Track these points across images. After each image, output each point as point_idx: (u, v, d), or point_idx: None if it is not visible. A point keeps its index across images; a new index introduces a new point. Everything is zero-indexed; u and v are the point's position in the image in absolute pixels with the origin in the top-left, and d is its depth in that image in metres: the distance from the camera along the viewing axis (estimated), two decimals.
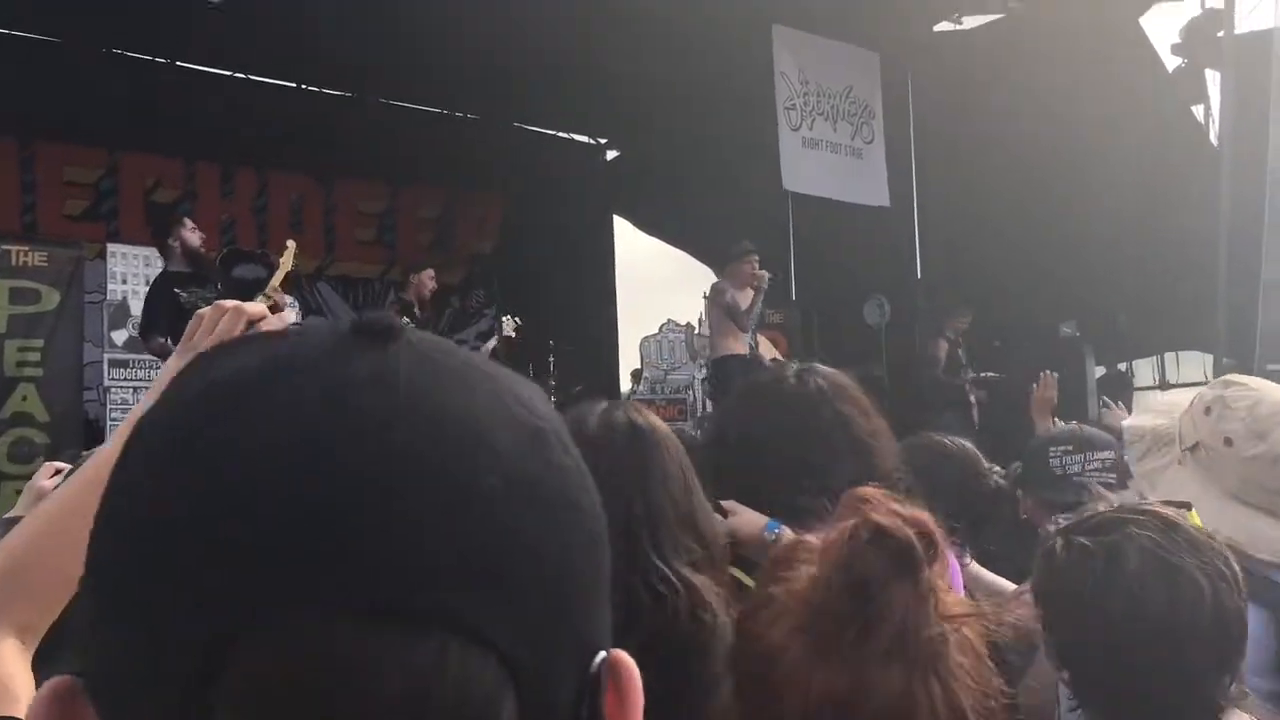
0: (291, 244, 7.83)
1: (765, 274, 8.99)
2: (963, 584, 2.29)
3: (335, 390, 0.51)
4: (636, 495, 1.72)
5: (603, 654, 0.55)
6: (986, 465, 3.00)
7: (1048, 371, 5.36)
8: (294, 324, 1.32)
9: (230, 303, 1.35)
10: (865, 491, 1.14)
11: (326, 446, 0.49)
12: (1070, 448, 2.93)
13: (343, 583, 0.47)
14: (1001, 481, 2.99)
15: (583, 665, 0.54)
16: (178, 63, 11.45)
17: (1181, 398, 2.26)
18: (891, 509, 1.10)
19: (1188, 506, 1.62)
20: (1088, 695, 1.57)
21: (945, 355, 10.28)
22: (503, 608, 0.50)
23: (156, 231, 9.36)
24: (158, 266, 8.90)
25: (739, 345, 8.96)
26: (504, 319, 9.02)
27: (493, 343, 8.77)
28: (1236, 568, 1.52)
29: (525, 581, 0.51)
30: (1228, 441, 2.05)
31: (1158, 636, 1.48)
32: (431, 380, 0.53)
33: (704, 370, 11.46)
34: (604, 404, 1.91)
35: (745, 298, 8.95)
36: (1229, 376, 2.23)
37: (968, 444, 3.09)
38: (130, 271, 9.16)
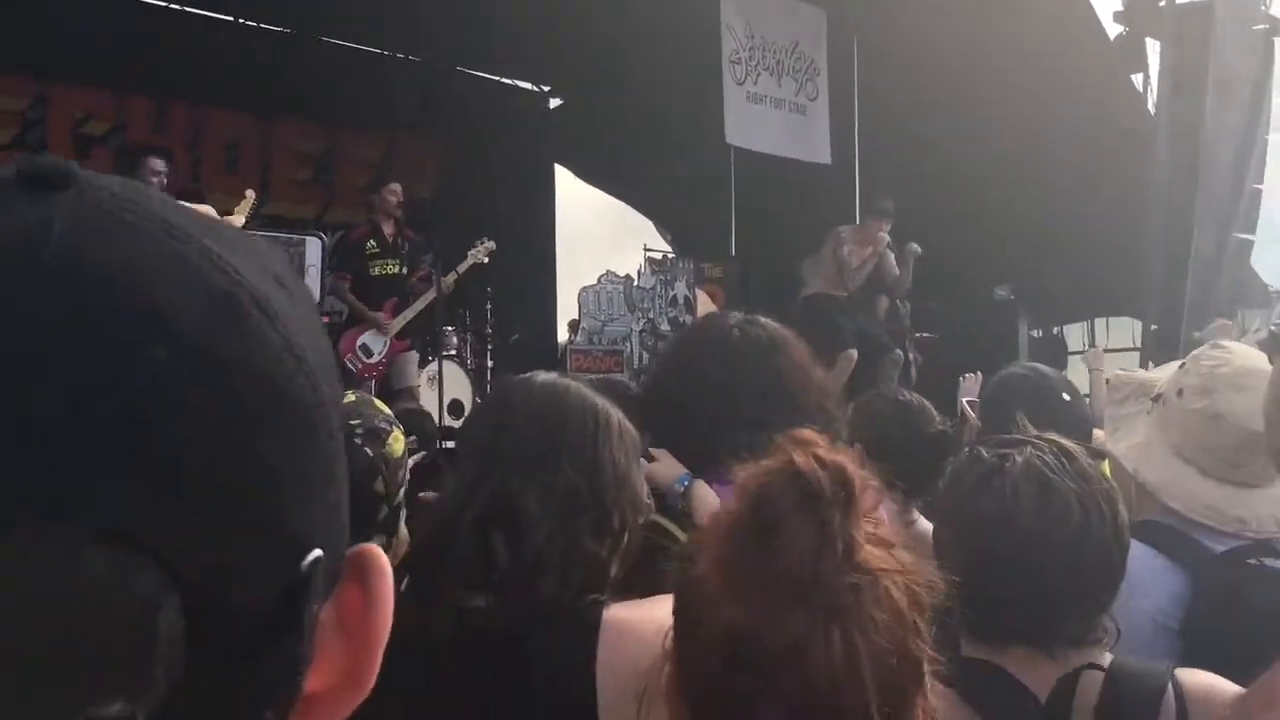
0: (251, 194, 7.69)
1: (913, 247, 9.00)
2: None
3: None
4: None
5: (316, 553, 0.49)
6: (939, 419, 3.01)
7: (975, 374, 5.37)
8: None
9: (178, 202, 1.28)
10: (801, 433, 1.14)
11: None
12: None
13: None
14: (949, 430, 3.00)
15: (287, 565, 0.48)
16: None
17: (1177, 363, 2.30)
18: (815, 452, 1.10)
19: (1102, 457, 1.67)
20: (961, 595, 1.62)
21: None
22: (161, 502, 0.44)
23: (119, 166, 9.14)
24: None
25: (831, 287, 9.01)
26: (479, 243, 8.87)
27: (453, 275, 8.62)
28: (1121, 509, 1.58)
29: (194, 472, 0.45)
30: (1180, 393, 2.09)
31: (1021, 546, 1.54)
32: (95, 236, 0.46)
33: (642, 323, 11.48)
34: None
35: (860, 255, 8.96)
36: (1221, 340, 2.28)
37: (919, 398, 3.10)
38: None
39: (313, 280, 1.54)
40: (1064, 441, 1.62)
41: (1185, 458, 2.04)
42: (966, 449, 1.71)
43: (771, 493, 1.08)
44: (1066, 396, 2.99)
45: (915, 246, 9.19)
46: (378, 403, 2.29)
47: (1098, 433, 2.77)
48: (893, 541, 1.12)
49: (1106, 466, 1.65)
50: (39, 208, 0.46)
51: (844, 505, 1.07)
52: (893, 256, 9.09)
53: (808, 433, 1.14)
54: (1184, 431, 2.05)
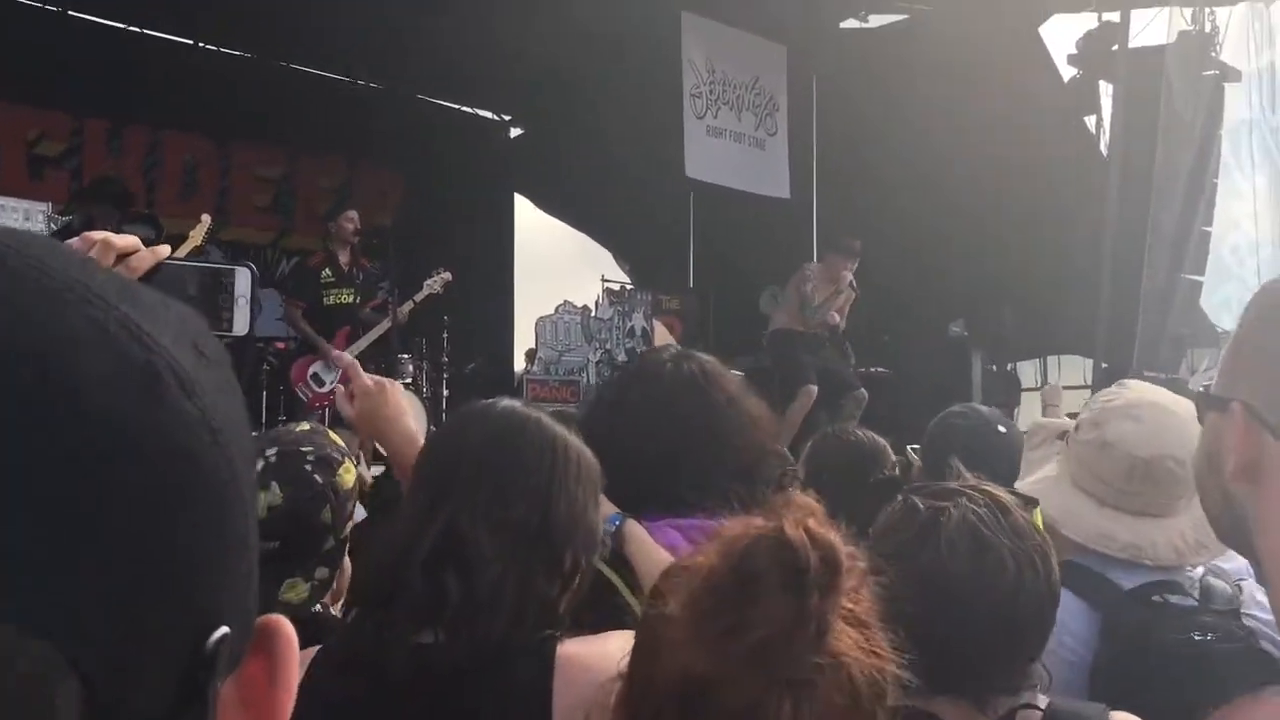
0: (206, 218, 7.63)
1: (852, 285, 9.06)
2: None
3: None
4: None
5: (222, 630, 0.48)
6: (893, 459, 3.01)
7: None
8: (168, 259, 1.27)
9: (99, 234, 1.25)
10: (799, 500, 1.14)
11: None
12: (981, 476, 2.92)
13: None
14: (894, 474, 3.01)
15: (193, 643, 0.47)
16: (69, 12, 11.06)
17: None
18: (807, 525, 1.09)
19: (1035, 503, 1.68)
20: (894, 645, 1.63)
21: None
22: (63, 581, 0.42)
23: (76, 194, 9.06)
24: (38, 221, 8.60)
25: (795, 323, 9.06)
26: (435, 273, 8.82)
27: (408, 305, 8.59)
28: (1054, 564, 1.60)
29: (94, 550, 0.43)
30: (1077, 427, 2.13)
31: (955, 601, 1.55)
32: (11, 304, 0.44)
33: (599, 353, 11.47)
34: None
35: (823, 292, 9.00)
36: (1126, 380, 2.31)
37: (873, 437, 3.12)
38: (10, 222, 8.83)
39: (241, 311, 1.54)
40: (998, 493, 1.63)
41: (1083, 489, 2.07)
42: (900, 497, 1.71)
43: (757, 558, 1.07)
44: (1002, 429, 3.03)
45: (852, 286, 9.27)
46: (332, 434, 2.27)
47: None
48: (870, 623, 1.12)
49: (1038, 516, 1.66)
50: None
51: (826, 586, 1.06)
52: (852, 297, 9.17)
53: (807, 500, 1.14)
54: (1079, 463, 2.09)
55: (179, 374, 0.47)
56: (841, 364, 9.43)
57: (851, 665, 1.08)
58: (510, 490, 1.66)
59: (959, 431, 3.08)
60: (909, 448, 3.23)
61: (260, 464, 2.11)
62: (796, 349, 9.06)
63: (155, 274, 1.26)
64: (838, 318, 9.09)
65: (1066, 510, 2.05)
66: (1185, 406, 2.14)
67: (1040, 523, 1.67)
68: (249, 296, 1.32)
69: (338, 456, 2.17)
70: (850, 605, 1.10)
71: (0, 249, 0.46)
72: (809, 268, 9.33)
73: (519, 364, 13.12)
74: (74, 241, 1.24)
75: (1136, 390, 2.18)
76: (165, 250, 1.25)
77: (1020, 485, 2.11)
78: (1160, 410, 2.06)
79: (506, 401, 1.82)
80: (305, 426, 2.24)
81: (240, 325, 1.33)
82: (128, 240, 1.25)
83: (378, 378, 2.14)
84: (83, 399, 0.44)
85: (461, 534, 1.61)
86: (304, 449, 2.13)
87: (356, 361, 2.22)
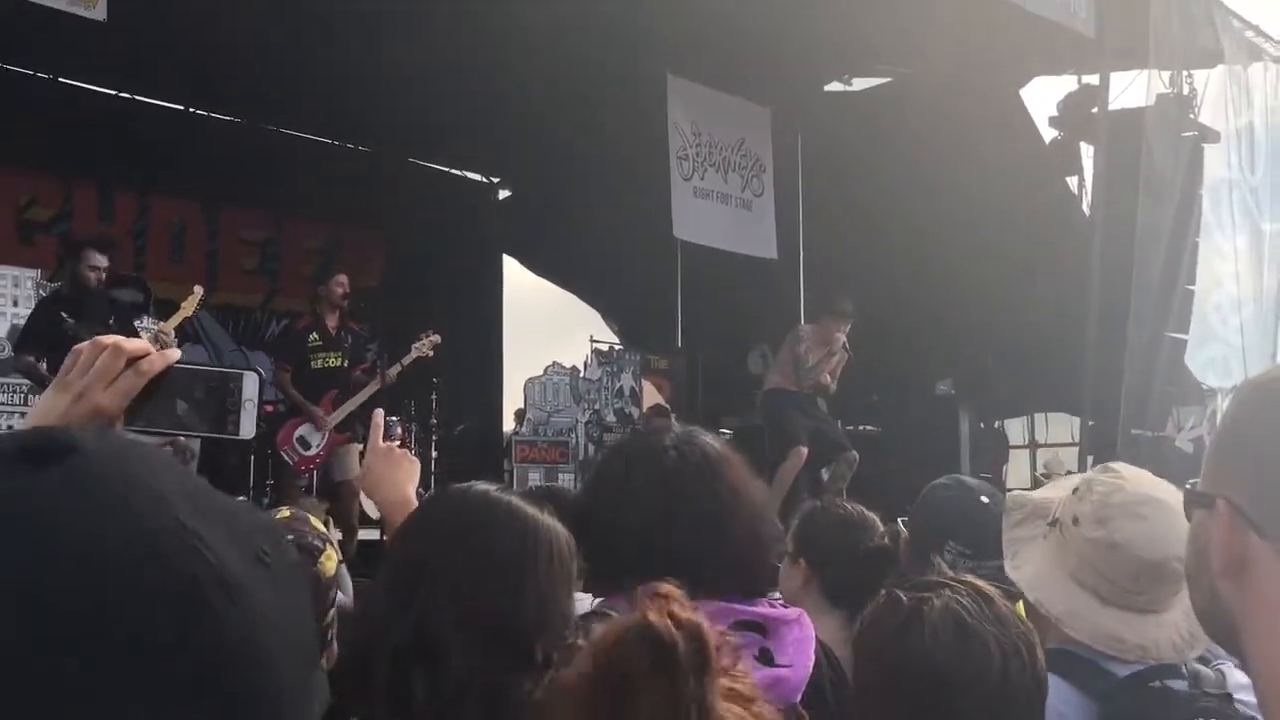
0: (199, 290, 7.66)
1: (845, 347, 9.09)
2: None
3: None
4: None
5: None
6: (882, 529, 3.00)
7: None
8: (178, 363, 1.27)
9: (110, 338, 1.26)
10: (660, 587, 1.11)
11: None
12: (969, 550, 2.90)
13: None
14: (885, 543, 3.00)
15: None
16: (59, 78, 11.15)
17: (1077, 478, 2.32)
18: (671, 609, 1.06)
19: (1018, 597, 1.69)
20: None
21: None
22: None
23: (63, 254, 9.09)
24: (27, 288, 8.63)
25: (787, 383, 9.06)
26: (423, 336, 8.82)
27: (396, 368, 8.59)
28: (1039, 653, 1.59)
29: None
30: (1075, 521, 2.10)
31: (940, 689, 1.55)
32: (82, 514, 0.48)
33: (588, 414, 11.48)
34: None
35: (817, 354, 9.02)
36: (1111, 464, 2.29)
37: (860, 509, 3.11)
38: (1, 290, 8.84)
39: (248, 415, 1.54)
40: (981, 584, 1.64)
41: (1084, 585, 2.05)
42: (884, 591, 1.72)
43: (625, 653, 1.04)
44: (985, 499, 3.04)
45: (845, 349, 9.30)
46: (314, 520, 2.27)
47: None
48: (754, 696, 1.11)
49: (1021, 607, 1.67)
50: (34, 485, 0.48)
51: (699, 668, 1.04)
52: (845, 359, 9.20)
53: (667, 587, 1.11)
54: (1081, 559, 2.07)
55: (226, 584, 0.50)
56: (833, 425, 9.43)
57: None
58: (479, 581, 1.64)
59: (945, 503, 3.09)
60: (900, 520, 3.23)
61: None
62: (789, 409, 9.07)
63: (165, 378, 1.26)
64: (829, 379, 9.11)
65: (1070, 611, 2.02)
66: (1179, 500, 2.13)
67: (1024, 613, 1.67)
68: (256, 400, 1.33)
69: (319, 544, 2.17)
70: (730, 683, 1.08)
71: (81, 461, 0.50)
72: (802, 329, 9.37)
73: (508, 424, 13.11)
74: (83, 346, 1.24)
75: (1132, 480, 2.16)
76: (176, 354, 1.26)
77: (1014, 575, 2.10)
78: (1164, 509, 2.04)
79: (480, 485, 1.80)
80: (286, 513, 2.23)
81: (247, 429, 1.34)
82: (138, 344, 1.26)
83: (396, 445, 2.14)
84: (109, 612, 0.46)
85: (428, 628, 1.60)
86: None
87: (382, 423, 2.18)
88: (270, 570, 0.54)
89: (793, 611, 1.92)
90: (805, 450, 8.81)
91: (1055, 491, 2.33)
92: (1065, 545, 2.10)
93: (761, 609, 1.87)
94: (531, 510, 1.73)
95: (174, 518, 0.50)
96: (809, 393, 9.15)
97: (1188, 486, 1.57)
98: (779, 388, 9.15)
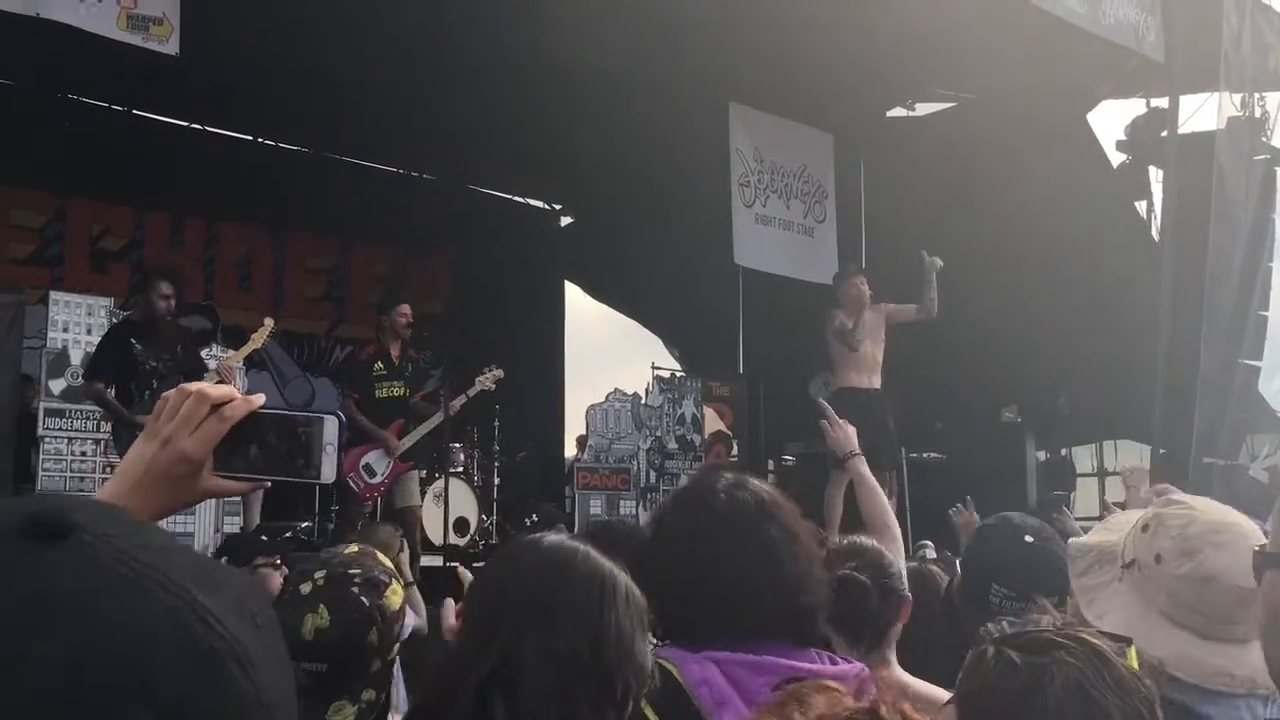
0: (269, 322, 7.76)
1: (933, 260, 9.04)
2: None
3: None
4: None
5: None
6: (895, 569, 2.94)
7: (964, 503, 5.53)
8: (261, 407, 1.29)
9: (194, 386, 1.28)
10: (889, 678, 1.14)
11: None
12: (1013, 593, 2.88)
13: None
14: (903, 590, 2.93)
15: None
16: (132, 110, 11.40)
17: (1132, 516, 2.26)
18: (902, 708, 1.07)
19: (1128, 642, 1.63)
20: None
21: None
22: None
23: (134, 285, 9.27)
24: (100, 315, 8.78)
25: (859, 377, 9.00)
26: (486, 370, 8.88)
27: (460, 400, 8.65)
28: (1159, 712, 1.53)
29: None
30: (1158, 559, 2.05)
31: None
32: (91, 596, 0.49)
33: (649, 440, 11.46)
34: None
35: (853, 318, 8.99)
36: (1172, 495, 2.24)
37: (873, 545, 3.06)
38: (72, 320, 9.00)
39: (329, 459, 1.55)
40: (1094, 640, 1.57)
41: (1178, 623, 2.00)
42: (991, 646, 1.64)
43: None
44: (1029, 539, 3.00)
45: (934, 260, 9.18)
46: (381, 556, 2.28)
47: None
48: None
49: (1133, 655, 1.61)
50: (41, 566, 0.49)
51: None
52: (886, 307, 9.16)
53: (896, 679, 1.14)
54: (1172, 597, 2.01)
55: (239, 654, 0.52)
56: (888, 439, 9.27)
57: None
58: (560, 620, 1.66)
59: (991, 545, 3.10)
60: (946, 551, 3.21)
61: (309, 586, 2.12)
62: (848, 412, 8.96)
63: (249, 422, 1.28)
64: (935, 258, 9.01)
65: (1177, 654, 1.97)
66: (1248, 523, 2.08)
67: (1136, 663, 1.60)
68: (336, 444, 1.33)
69: (384, 579, 2.18)
70: None
71: (88, 539, 0.51)
72: (832, 312, 9.27)
73: (569, 451, 13.13)
74: (170, 393, 1.26)
75: (1202, 508, 2.11)
76: (260, 399, 1.28)
77: (1097, 625, 2.05)
78: (1240, 533, 2.00)
79: (554, 535, 1.83)
80: (354, 549, 2.24)
81: (328, 473, 1.34)
82: (223, 390, 1.28)
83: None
84: (154, 686, 0.48)
85: (512, 661, 1.62)
86: (351, 571, 2.13)
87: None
88: (261, 631, 0.56)
89: (851, 668, 1.90)
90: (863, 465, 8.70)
91: (1111, 535, 2.26)
92: (1150, 585, 2.04)
93: (814, 665, 1.86)
94: (604, 557, 1.77)
95: (186, 593, 0.52)
96: (876, 391, 9.06)
97: (1255, 549, 1.52)
98: (849, 386, 9.07)
